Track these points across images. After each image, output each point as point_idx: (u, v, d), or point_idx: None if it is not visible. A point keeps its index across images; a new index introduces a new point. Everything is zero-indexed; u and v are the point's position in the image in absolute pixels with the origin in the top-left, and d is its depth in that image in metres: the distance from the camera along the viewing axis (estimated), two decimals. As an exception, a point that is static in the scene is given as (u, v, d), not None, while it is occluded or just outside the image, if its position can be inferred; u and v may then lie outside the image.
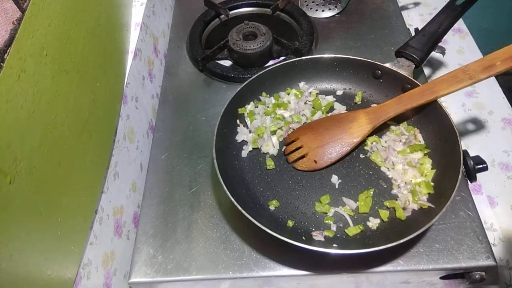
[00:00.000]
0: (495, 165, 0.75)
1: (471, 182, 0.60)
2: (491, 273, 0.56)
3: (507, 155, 0.76)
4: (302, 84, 0.74)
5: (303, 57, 0.73)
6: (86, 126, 0.51)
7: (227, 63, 0.85)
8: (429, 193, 0.58)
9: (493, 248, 0.56)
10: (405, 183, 0.60)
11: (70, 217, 0.46)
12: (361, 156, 0.65)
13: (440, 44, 0.74)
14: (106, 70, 0.61)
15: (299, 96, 0.72)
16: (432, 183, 0.59)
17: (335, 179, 0.62)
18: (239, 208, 0.53)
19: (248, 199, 0.61)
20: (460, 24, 0.95)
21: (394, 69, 0.68)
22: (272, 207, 0.60)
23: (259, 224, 0.51)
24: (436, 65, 0.87)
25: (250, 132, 0.69)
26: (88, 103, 0.53)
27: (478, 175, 0.59)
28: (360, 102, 0.71)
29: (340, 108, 0.70)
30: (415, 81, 0.65)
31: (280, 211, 0.60)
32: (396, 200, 0.59)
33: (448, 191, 0.53)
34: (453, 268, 0.55)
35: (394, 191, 0.60)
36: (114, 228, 0.59)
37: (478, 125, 0.81)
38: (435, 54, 0.83)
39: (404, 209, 0.57)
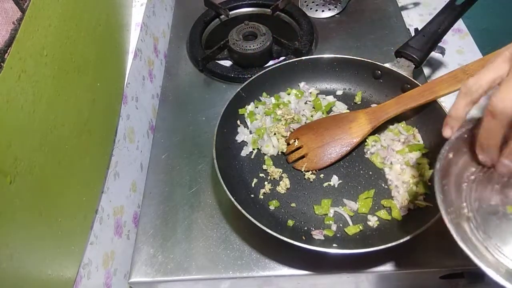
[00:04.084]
0: (495, 165, 0.75)
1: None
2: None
3: (507, 155, 0.75)
4: (302, 84, 0.74)
5: (303, 57, 0.73)
6: (86, 126, 0.51)
7: (227, 63, 0.86)
8: (426, 193, 0.58)
9: (493, 248, 0.56)
10: (402, 182, 0.60)
11: (70, 217, 0.47)
12: (361, 156, 0.65)
13: (440, 44, 0.74)
14: (106, 70, 0.61)
15: (300, 96, 0.72)
16: (429, 183, 0.59)
17: (335, 179, 0.62)
18: (239, 208, 0.53)
19: (248, 199, 0.61)
20: (460, 24, 0.95)
21: (394, 69, 0.68)
22: (272, 207, 0.60)
23: (259, 224, 0.51)
24: (436, 65, 0.87)
25: (250, 132, 0.69)
26: (88, 103, 0.53)
27: (478, 175, 0.59)
28: (360, 102, 0.71)
29: (341, 107, 0.70)
30: (415, 81, 0.65)
31: (280, 211, 0.60)
32: (393, 199, 0.59)
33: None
34: (453, 268, 0.55)
35: (392, 191, 0.60)
36: (114, 228, 0.59)
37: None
38: (434, 54, 0.83)
39: (401, 208, 0.57)
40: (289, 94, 0.73)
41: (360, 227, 0.57)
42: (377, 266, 0.56)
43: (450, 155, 0.44)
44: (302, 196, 0.61)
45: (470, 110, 0.42)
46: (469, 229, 0.40)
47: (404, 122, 0.67)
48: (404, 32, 0.86)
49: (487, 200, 0.42)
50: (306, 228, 0.58)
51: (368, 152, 0.65)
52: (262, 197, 0.62)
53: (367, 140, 0.66)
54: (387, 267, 0.55)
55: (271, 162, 0.65)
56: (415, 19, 0.98)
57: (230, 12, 0.93)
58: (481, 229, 0.40)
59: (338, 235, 0.57)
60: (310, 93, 0.73)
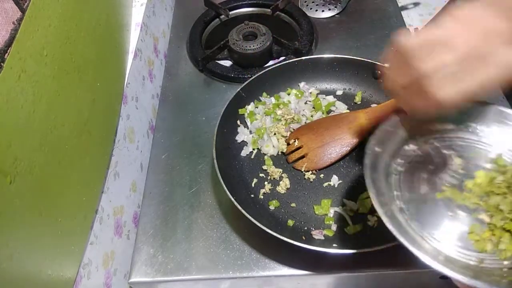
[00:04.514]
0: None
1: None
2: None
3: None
4: (302, 84, 0.74)
5: (303, 57, 0.73)
6: (86, 126, 0.51)
7: (227, 63, 0.85)
8: None
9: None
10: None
11: (70, 217, 0.47)
12: (361, 156, 0.64)
13: (440, 44, 0.74)
14: (106, 70, 0.61)
15: (300, 96, 0.72)
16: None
17: (335, 179, 0.62)
18: (239, 208, 0.53)
19: (248, 199, 0.61)
20: (460, 24, 0.95)
21: (394, 69, 0.68)
22: (272, 207, 0.60)
23: (259, 224, 0.51)
24: (436, 65, 0.87)
25: (250, 132, 0.69)
26: (88, 103, 0.53)
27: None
28: (360, 102, 0.71)
29: (341, 107, 0.70)
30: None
31: (280, 211, 0.60)
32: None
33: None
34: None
35: (394, 191, 0.60)
36: (114, 228, 0.59)
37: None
38: (435, 54, 0.83)
39: None
40: (289, 94, 0.73)
41: (360, 227, 0.57)
42: (377, 266, 0.56)
43: (377, 149, 0.45)
44: (302, 196, 0.61)
45: None
46: (403, 220, 0.40)
47: (404, 122, 0.67)
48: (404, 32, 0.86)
49: (417, 189, 0.43)
50: (306, 228, 0.58)
51: (368, 152, 0.65)
52: (262, 197, 0.62)
53: (367, 140, 0.65)
54: (387, 267, 0.55)
55: (271, 162, 0.65)
56: (415, 19, 0.98)
57: (230, 12, 0.93)
58: (415, 219, 0.41)
59: (338, 235, 0.57)
60: (310, 93, 0.73)
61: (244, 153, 0.66)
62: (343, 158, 0.64)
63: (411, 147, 0.46)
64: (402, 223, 0.40)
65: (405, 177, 0.44)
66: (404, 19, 0.89)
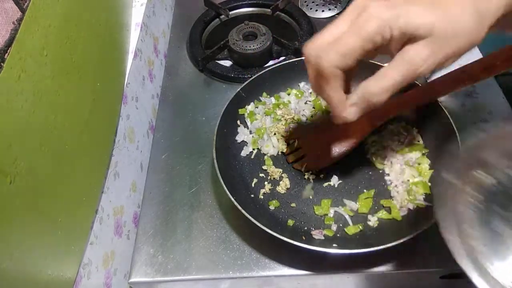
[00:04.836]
0: (495, 165, 0.75)
1: (470, 182, 0.60)
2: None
3: (507, 155, 0.75)
4: (302, 84, 0.74)
5: (303, 57, 0.73)
6: (86, 126, 0.51)
7: (227, 63, 0.86)
8: (426, 193, 0.58)
9: (493, 248, 0.56)
10: (402, 182, 0.60)
11: (70, 217, 0.47)
12: (361, 156, 0.65)
13: (440, 44, 0.74)
14: (106, 70, 0.61)
15: (300, 96, 0.72)
16: (429, 183, 0.59)
17: (335, 179, 0.62)
18: (239, 208, 0.53)
19: (248, 199, 0.61)
20: (460, 24, 0.95)
21: (394, 69, 0.68)
22: (272, 207, 0.60)
23: (259, 224, 0.52)
24: (436, 65, 0.87)
25: (250, 132, 0.69)
26: (88, 103, 0.53)
27: (478, 175, 0.59)
28: (360, 102, 0.71)
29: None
30: (415, 81, 0.65)
31: (280, 211, 0.60)
32: (392, 199, 0.59)
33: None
34: (453, 268, 0.55)
35: (392, 191, 0.60)
36: (114, 228, 0.59)
37: (477, 125, 0.81)
38: (435, 54, 0.82)
39: (400, 208, 0.57)
40: (289, 94, 0.73)
41: (360, 227, 0.57)
42: (377, 266, 0.56)
43: (447, 175, 0.40)
44: (302, 196, 0.61)
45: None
46: (478, 262, 0.36)
47: (404, 122, 0.67)
48: (404, 32, 0.86)
49: (490, 225, 0.38)
50: (306, 228, 0.58)
51: (368, 152, 0.65)
52: (262, 197, 0.62)
53: (367, 140, 0.66)
54: (387, 267, 0.56)
55: (271, 162, 0.65)
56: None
57: (230, 12, 0.93)
58: (488, 259, 0.36)
59: (338, 235, 0.57)
60: (310, 93, 0.73)
61: (244, 153, 0.66)
62: (343, 158, 0.64)
63: (482, 175, 0.41)
64: (478, 266, 0.35)
65: (480, 212, 0.38)
66: (404, 19, 0.89)
